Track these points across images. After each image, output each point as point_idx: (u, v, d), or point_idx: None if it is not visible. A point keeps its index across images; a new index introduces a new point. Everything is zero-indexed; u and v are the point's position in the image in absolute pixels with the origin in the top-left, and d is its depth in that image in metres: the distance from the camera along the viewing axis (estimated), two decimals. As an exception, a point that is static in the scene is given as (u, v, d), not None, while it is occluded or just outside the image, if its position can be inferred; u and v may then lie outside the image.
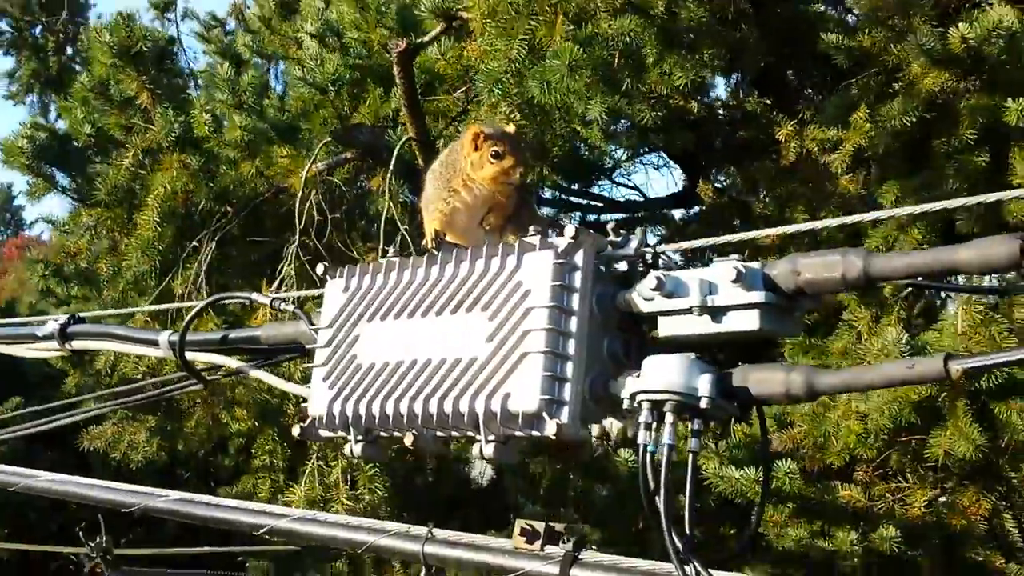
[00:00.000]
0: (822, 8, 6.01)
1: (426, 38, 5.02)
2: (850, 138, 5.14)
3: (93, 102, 6.43)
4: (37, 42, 23.18)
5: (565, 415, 2.15)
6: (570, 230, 2.21)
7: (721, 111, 6.00)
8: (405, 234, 4.96)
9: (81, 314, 4.26)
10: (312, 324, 3.03)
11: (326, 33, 6.86)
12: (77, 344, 4.15)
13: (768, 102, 6.33)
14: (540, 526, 2.37)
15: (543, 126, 4.68)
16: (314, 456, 4.85)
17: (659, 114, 4.63)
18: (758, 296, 1.89)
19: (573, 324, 2.20)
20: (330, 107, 6.19)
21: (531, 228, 2.40)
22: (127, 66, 5.90)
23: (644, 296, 2.10)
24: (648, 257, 2.24)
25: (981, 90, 4.39)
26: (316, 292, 3.46)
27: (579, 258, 2.24)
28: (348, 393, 2.56)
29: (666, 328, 2.06)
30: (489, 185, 2.82)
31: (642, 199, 8.46)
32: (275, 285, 5.29)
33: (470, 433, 2.33)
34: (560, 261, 2.23)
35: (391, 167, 5.05)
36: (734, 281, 1.89)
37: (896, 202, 4.67)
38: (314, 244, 5.59)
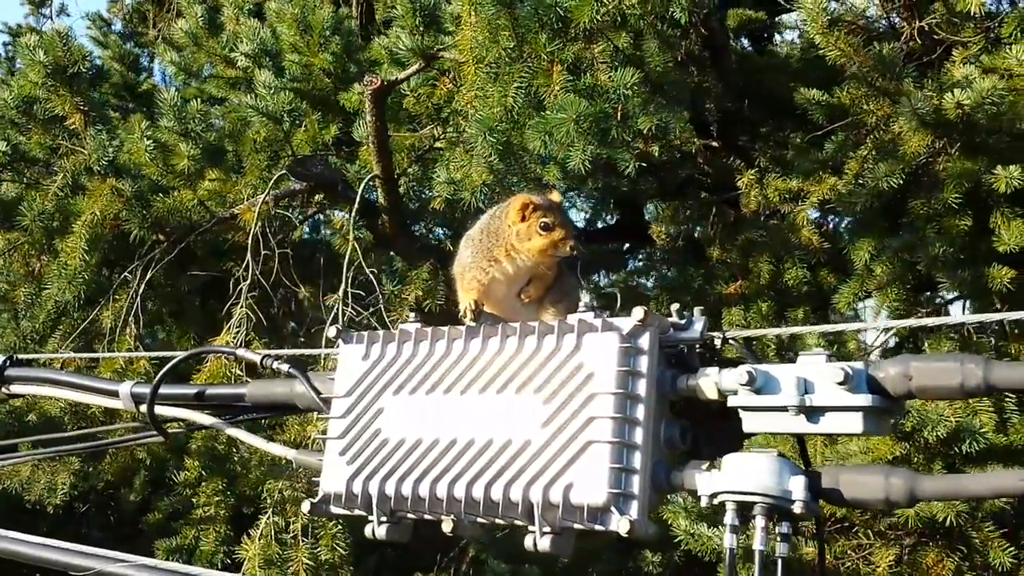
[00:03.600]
0: (783, 54, 6.12)
1: (402, 76, 4.91)
2: (815, 190, 5.22)
3: (15, 120, 6.11)
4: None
5: (635, 510, 2.09)
6: (638, 312, 2.16)
7: (678, 155, 6.04)
8: (370, 275, 4.83)
9: (21, 356, 4.02)
10: (315, 388, 2.91)
11: (261, 54, 6.70)
12: (16, 388, 3.91)
13: (716, 145, 6.44)
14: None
15: (516, 169, 4.62)
16: (269, 510, 4.67)
17: (643, 165, 4.63)
18: (864, 400, 1.86)
19: (640, 411, 2.14)
20: (271, 130, 6.01)
21: (582, 304, 2.34)
22: (60, 86, 5.63)
23: (724, 387, 2.06)
24: (716, 343, 2.20)
25: (964, 153, 4.51)
26: (313, 351, 3.34)
27: (644, 341, 2.19)
28: (372, 470, 2.45)
29: (753, 424, 2.01)
30: (536, 257, 2.74)
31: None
32: (230, 325, 5.09)
33: (520, 522, 2.25)
34: (626, 345, 2.17)
35: (355, 206, 4.92)
36: (840, 383, 1.86)
37: (870, 260, 4.75)
38: (259, 280, 5.40)
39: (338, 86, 6.43)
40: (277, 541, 4.65)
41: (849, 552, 4.92)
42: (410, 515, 2.42)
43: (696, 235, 6.13)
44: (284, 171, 5.39)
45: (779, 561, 1.95)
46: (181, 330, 6.33)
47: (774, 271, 5.41)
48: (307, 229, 7.19)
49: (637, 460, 2.11)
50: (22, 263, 6.40)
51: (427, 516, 2.39)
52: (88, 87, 5.86)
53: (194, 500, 5.27)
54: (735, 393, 2.03)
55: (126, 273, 5.84)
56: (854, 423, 1.88)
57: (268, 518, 4.62)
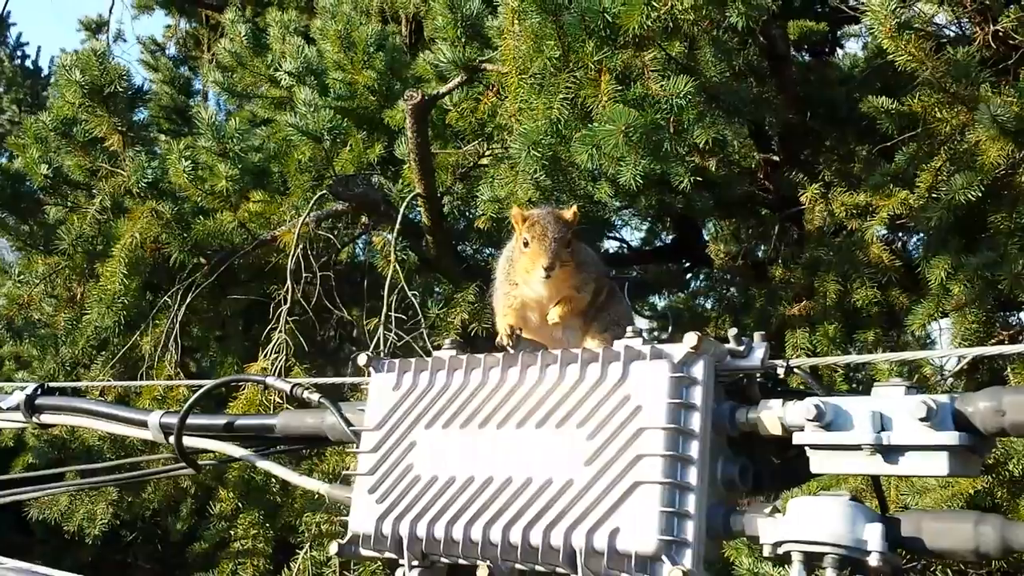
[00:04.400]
0: (846, 66, 5.88)
1: (443, 89, 4.76)
2: (885, 205, 4.97)
3: (52, 142, 6.08)
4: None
5: (689, 560, 1.89)
6: (691, 338, 1.96)
7: (737, 170, 5.82)
8: (412, 298, 4.67)
9: (51, 384, 3.93)
10: (346, 419, 2.75)
11: (305, 73, 6.60)
12: (46, 418, 3.84)
13: (778, 159, 6.21)
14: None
15: (564, 185, 4.44)
16: (307, 545, 4.52)
17: (699, 179, 4.43)
18: (950, 438, 1.65)
19: (693, 448, 1.95)
20: (315, 150, 5.90)
21: (629, 330, 2.15)
22: (97, 107, 5.56)
23: (789, 423, 1.85)
24: (779, 371, 1.99)
25: (1045, 162, 4.25)
26: (343, 380, 3.18)
27: (698, 370, 1.99)
28: (403, 510, 2.29)
29: (822, 464, 1.80)
30: (524, 278, 2.56)
31: (626, 251, 8.28)
32: (267, 351, 4.96)
33: (561, 570, 2.06)
34: (678, 375, 1.98)
35: (396, 226, 4.77)
36: (923, 419, 1.64)
37: (946, 279, 4.49)
38: (300, 304, 5.28)
39: (383, 104, 6.30)
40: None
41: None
42: (443, 559, 2.24)
43: (759, 254, 5.89)
44: (325, 191, 5.26)
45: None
46: (223, 355, 6.22)
47: (841, 291, 5.16)
48: (358, 250, 7.09)
49: (691, 503, 1.91)
50: (63, 288, 6.35)
51: (461, 561, 2.21)
52: (126, 108, 5.79)
53: (232, 532, 5.14)
54: (801, 429, 1.83)
55: (166, 297, 5.74)
56: (939, 464, 1.67)
57: (305, 553, 4.48)
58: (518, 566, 2.13)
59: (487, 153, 5.02)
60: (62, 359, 5.92)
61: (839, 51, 7.95)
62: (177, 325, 5.56)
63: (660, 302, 8.06)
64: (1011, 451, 3.99)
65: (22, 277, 6.13)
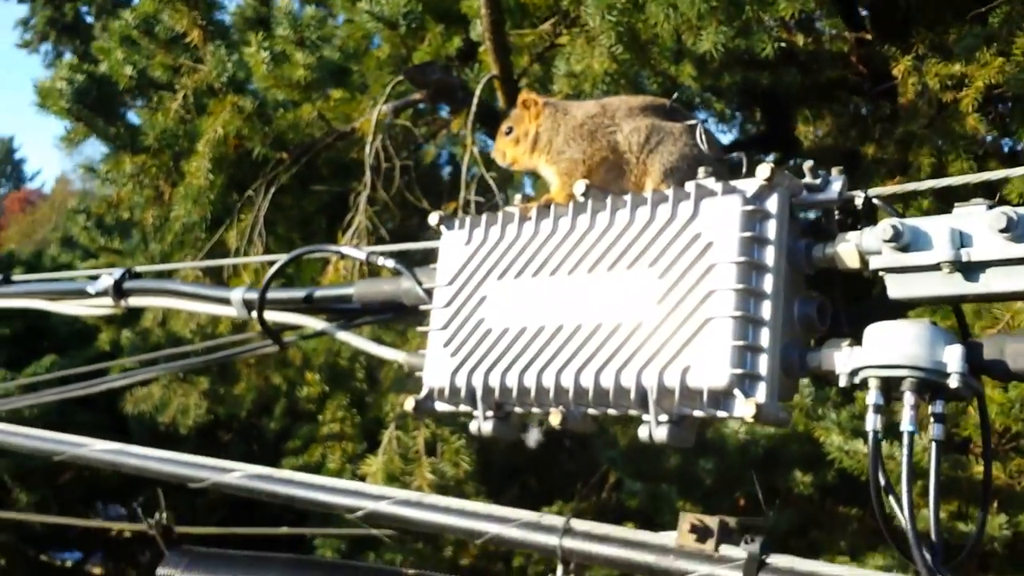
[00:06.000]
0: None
1: (514, -37, 4.68)
2: (980, 75, 4.76)
3: (137, 41, 6.15)
4: (51, -11, 23.02)
5: (762, 392, 1.86)
6: (764, 170, 1.91)
7: (827, 45, 5.62)
8: (491, 182, 4.65)
9: (137, 268, 4.03)
10: (419, 281, 2.76)
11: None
12: (134, 301, 3.95)
13: (869, 37, 5.98)
14: (712, 521, 2.07)
15: (642, 61, 4.33)
16: (392, 425, 4.59)
17: (784, 47, 4.28)
18: (1034, 249, 1.58)
19: (767, 283, 1.91)
20: (394, 44, 5.87)
21: (701, 170, 2.11)
22: (178, 1, 5.59)
23: (867, 248, 1.80)
24: (857, 204, 1.93)
25: None
26: (419, 245, 3.19)
27: (772, 204, 1.94)
28: (476, 362, 2.30)
29: (899, 288, 1.75)
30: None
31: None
32: (347, 237, 5.00)
33: (633, 412, 2.05)
34: (750, 208, 1.93)
35: (472, 108, 4.74)
36: (1003, 230, 1.58)
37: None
38: (381, 194, 5.29)
39: (460, -7, 6.23)
40: (400, 457, 4.57)
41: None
42: (516, 408, 2.26)
43: (853, 133, 5.70)
44: (401, 77, 5.23)
45: (933, 445, 1.70)
46: (308, 251, 6.29)
47: (936, 164, 4.98)
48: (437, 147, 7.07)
49: (764, 337, 1.88)
50: (151, 186, 6.48)
51: (534, 409, 2.22)
52: (206, 1, 5.81)
53: (319, 417, 5.25)
54: (879, 253, 1.77)
55: (250, 192, 5.82)
56: (1021, 280, 1.60)
57: (390, 433, 4.55)
58: (590, 410, 2.14)
59: (562, 29, 4.91)
60: (151, 254, 6.06)
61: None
62: (262, 219, 5.63)
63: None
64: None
65: (110, 175, 6.26)
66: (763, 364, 1.87)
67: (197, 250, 6.19)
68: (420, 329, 2.52)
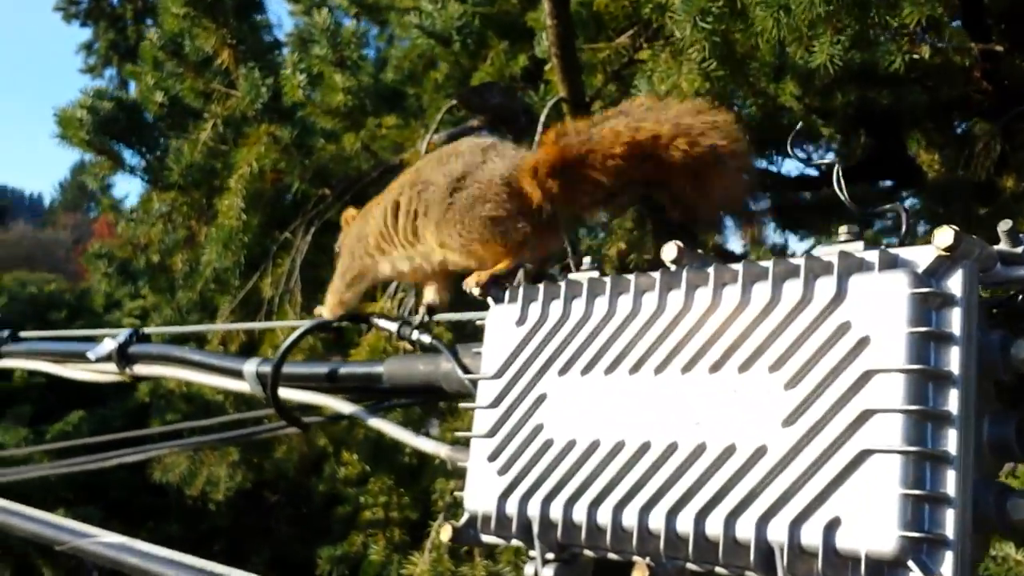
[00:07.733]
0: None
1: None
2: None
3: (165, 64, 5.79)
4: (115, 11, 23.26)
5: (948, 566, 1.31)
6: (945, 235, 1.37)
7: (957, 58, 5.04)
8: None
9: (145, 330, 3.63)
10: (462, 364, 2.27)
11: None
12: (139, 369, 3.55)
13: (999, 49, 5.41)
14: None
15: (739, 79, 3.82)
16: (441, 515, 4.09)
17: (915, 57, 3.74)
18: None
19: (951, 399, 1.37)
20: (450, 63, 5.42)
21: (842, 230, 1.58)
22: (203, 17, 5.21)
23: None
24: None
25: None
26: (464, 316, 2.70)
27: (955, 283, 1.40)
28: (532, 485, 1.80)
29: None
30: None
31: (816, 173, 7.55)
32: (387, 292, 4.53)
33: (752, 574, 1.52)
34: (924, 290, 1.39)
35: (537, 136, 4.25)
36: None
37: None
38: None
39: (525, 5, 5.78)
40: (450, 554, 4.06)
41: None
42: (587, 551, 1.73)
43: (986, 162, 5.11)
44: (454, 101, 4.77)
45: None
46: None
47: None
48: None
49: (950, 482, 1.34)
50: (183, 226, 6.11)
51: (610, 554, 1.70)
52: (235, 17, 5.42)
53: (361, 500, 4.77)
54: None
55: (287, 233, 5.39)
56: None
57: (438, 525, 4.05)
58: (690, 565, 1.60)
59: (643, 42, 4.40)
60: (178, 304, 5.67)
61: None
62: (298, 264, 5.20)
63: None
64: None
65: (136, 216, 5.89)
66: (949, 521, 1.33)
67: (232, 297, 5.78)
68: (461, 434, 2.03)
